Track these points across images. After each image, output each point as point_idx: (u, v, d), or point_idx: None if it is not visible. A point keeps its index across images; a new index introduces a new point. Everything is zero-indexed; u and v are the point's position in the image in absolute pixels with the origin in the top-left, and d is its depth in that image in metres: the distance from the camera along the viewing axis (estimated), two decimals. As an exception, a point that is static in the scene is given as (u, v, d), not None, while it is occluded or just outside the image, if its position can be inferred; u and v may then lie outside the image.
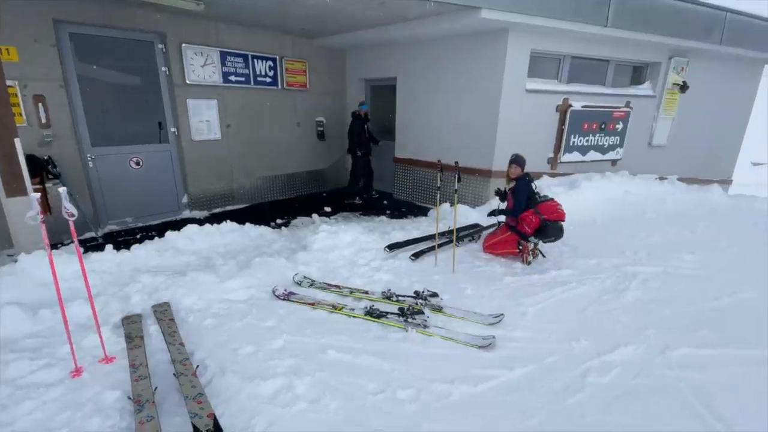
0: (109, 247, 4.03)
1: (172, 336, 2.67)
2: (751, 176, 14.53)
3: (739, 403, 2.10)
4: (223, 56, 6.31)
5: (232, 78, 6.47)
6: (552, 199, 4.13)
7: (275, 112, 7.10)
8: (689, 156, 7.97)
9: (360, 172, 7.27)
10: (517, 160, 4.16)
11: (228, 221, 4.89)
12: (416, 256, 4.07)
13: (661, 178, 7.19)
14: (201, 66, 6.11)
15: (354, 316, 2.95)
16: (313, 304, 3.11)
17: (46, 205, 4.44)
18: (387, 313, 2.92)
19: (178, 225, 4.89)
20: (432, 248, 4.16)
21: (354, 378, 2.32)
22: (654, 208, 6.08)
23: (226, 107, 6.45)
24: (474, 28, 5.36)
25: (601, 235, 5.08)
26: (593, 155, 6.75)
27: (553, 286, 3.57)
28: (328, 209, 6.68)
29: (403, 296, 3.17)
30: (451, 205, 6.28)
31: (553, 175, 6.49)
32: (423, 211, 6.54)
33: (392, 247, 4.14)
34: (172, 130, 6.00)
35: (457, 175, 3.76)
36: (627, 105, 6.80)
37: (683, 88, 7.15)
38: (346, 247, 4.14)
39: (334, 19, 5.60)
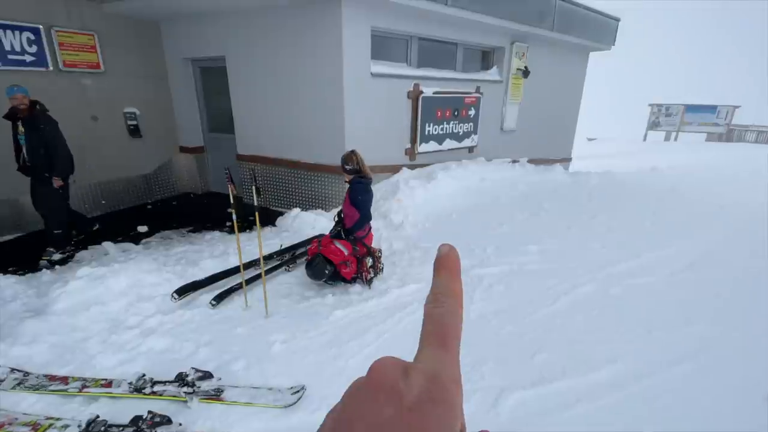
0: None
1: None
2: (587, 150, 17.08)
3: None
4: (-66, 20, 4.23)
5: (-43, 54, 4.41)
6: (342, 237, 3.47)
7: (51, 104, 5.15)
8: (536, 138, 8.43)
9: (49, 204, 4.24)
10: (342, 160, 3.42)
11: None
12: (219, 299, 3.00)
13: (514, 162, 7.41)
14: None
15: (58, 446, 1.82)
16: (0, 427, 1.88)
17: None
18: (123, 427, 1.85)
19: None
20: (241, 286, 3.12)
21: None
22: (507, 193, 6.11)
23: (-50, 98, 4.37)
24: (298, -5, 4.41)
25: (455, 230, 4.77)
26: (450, 143, 6.51)
27: (391, 313, 2.95)
28: (143, 229, 5.14)
29: (164, 383, 2.14)
30: (302, 210, 5.37)
31: (412, 167, 6.05)
32: (274, 219, 5.47)
33: (182, 291, 2.97)
34: None
35: (254, 186, 2.82)
36: (477, 90, 6.70)
37: (525, 73, 7.37)
38: (117, 299, 2.88)
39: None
